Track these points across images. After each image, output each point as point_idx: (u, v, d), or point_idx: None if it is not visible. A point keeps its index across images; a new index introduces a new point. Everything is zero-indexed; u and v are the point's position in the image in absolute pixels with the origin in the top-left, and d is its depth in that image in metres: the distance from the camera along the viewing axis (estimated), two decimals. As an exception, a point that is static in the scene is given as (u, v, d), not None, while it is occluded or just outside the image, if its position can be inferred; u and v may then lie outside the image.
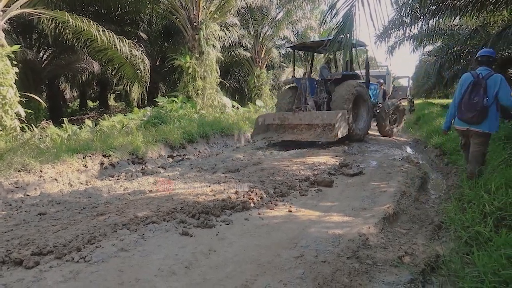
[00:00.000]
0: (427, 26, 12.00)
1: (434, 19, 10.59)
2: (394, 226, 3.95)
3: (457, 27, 13.97)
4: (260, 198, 4.66)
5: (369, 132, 10.69)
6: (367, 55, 12.95)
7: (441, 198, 5.16)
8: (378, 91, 12.28)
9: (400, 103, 12.41)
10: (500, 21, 10.84)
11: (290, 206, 4.44)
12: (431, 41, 14.58)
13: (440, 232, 3.70)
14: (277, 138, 9.78)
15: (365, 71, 11.07)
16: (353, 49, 9.99)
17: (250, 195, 4.68)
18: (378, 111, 11.43)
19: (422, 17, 10.72)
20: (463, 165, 5.05)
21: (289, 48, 9.20)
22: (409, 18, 10.61)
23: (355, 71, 10.63)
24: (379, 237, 3.51)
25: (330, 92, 9.95)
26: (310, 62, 12.75)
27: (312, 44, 11.54)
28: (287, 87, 12.12)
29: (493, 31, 10.07)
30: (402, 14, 10.21)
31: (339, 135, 8.55)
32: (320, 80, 10.66)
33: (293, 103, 10.29)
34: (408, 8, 9.80)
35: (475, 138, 4.57)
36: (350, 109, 9.22)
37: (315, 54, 12.65)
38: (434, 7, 9.81)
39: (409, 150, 9.51)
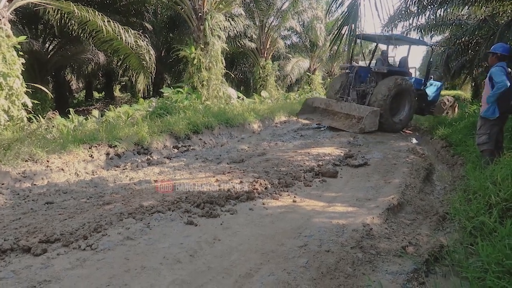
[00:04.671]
0: (434, 16, 11.85)
1: (442, 8, 10.44)
2: (399, 217, 3.95)
3: (465, 17, 13.77)
4: (265, 189, 4.68)
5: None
6: (431, 55, 12.43)
7: (446, 189, 5.15)
8: (439, 90, 12.34)
9: (455, 101, 12.77)
10: (510, 11, 10.66)
11: (295, 197, 4.46)
12: (438, 32, 14.40)
13: (445, 223, 3.70)
14: (318, 120, 11.08)
15: (426, 70, 11.75)
16: (358, 40, 9.96)
17: (254, 185, 4.71)
18: (434, 107, 11.74)
19: (429, 7, 10.58)
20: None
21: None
22: (416, 7, 10.49)
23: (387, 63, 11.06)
24: (383, 228, 3.52)
25: (377, 83, 10.59)
26: (372, 53, 13.13)
27: (376, 36, 11.87)
28: (341, 72, 12.77)
29: (502, 21, 9.90)
30: (408, 3, 10.09)
31: (366, 130, 9.24)
32: (372, 70, 11.15)
33: (341, 90, 11.20)
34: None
35: None
36: (387, 105, 9.81)
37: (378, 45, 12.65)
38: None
39: (414, 141, 9.46)
